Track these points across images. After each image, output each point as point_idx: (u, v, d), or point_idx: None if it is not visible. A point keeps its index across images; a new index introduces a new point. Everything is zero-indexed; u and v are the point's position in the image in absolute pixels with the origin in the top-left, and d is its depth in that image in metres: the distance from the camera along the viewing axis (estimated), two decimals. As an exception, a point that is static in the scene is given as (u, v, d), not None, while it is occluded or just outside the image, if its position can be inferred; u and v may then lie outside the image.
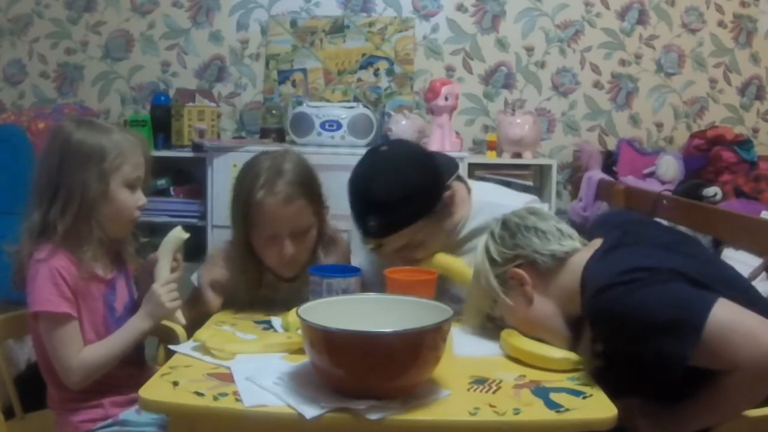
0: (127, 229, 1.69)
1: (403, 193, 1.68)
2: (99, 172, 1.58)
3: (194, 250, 3.29)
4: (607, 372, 1.43)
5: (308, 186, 1.78)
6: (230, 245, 1.87)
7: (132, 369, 1.69)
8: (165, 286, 1.63)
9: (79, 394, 1.60)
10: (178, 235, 1.69)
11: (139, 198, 1.66)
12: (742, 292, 1.44)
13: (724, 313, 1.30)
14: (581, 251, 1.55)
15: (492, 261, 1.57)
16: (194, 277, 1.94)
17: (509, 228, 1.58)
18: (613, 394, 1.35)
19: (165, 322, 1.70)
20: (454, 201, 1.82)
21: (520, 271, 1.54)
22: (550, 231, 1.56)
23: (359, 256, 1.91)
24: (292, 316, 1.62)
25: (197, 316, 1.77)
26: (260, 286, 1.86)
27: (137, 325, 1.63)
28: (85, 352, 1.57)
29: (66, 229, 1.56)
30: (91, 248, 1.59)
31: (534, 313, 1.54)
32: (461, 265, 1.76)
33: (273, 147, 3.19)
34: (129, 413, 1.62)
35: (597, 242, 1.55)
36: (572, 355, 1.47)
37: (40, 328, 1.58)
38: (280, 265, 1.81)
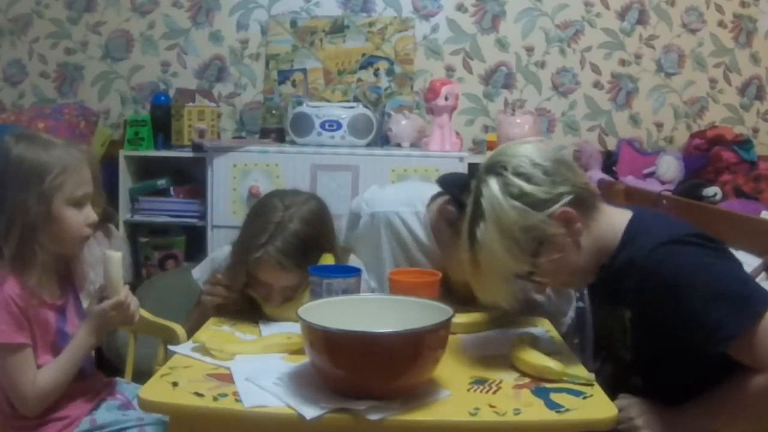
0: (76, 247, 1.59)
1: None
2: (39, 194, 1.47)
3: (194, 251, 3.33)
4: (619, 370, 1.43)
5: (307, 251, 1.73)
6: (228, 267, 1.82)
7: (85, 381, 1.63)
8: (118, 307, 1.55)
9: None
10: (117, 256, 1.56)
11: (88, 215, 1.54)
12: None
13: None
14: (609, 207, 1.48)
15: (536, 204, 1.36)
16: (195, 272, 1.94)
17: (535, 167, 1.38)
18: (611, 393, 1.34)
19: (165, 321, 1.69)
20: None
21: (569, 209, 1.37)
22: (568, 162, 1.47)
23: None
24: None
25: (201, 319, 1.75)
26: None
27: (85, 341, 1.55)
28: (38, 377, 1.49)
29: (12, 254, 1.47)
30: (35, 274, 1.48)
31: (580, 258, 1.43)
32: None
33: (273, 147, 3.22)
34: (100, 412, 1.59)
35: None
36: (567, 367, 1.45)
37: None
38: (266, 303, 1.78)
